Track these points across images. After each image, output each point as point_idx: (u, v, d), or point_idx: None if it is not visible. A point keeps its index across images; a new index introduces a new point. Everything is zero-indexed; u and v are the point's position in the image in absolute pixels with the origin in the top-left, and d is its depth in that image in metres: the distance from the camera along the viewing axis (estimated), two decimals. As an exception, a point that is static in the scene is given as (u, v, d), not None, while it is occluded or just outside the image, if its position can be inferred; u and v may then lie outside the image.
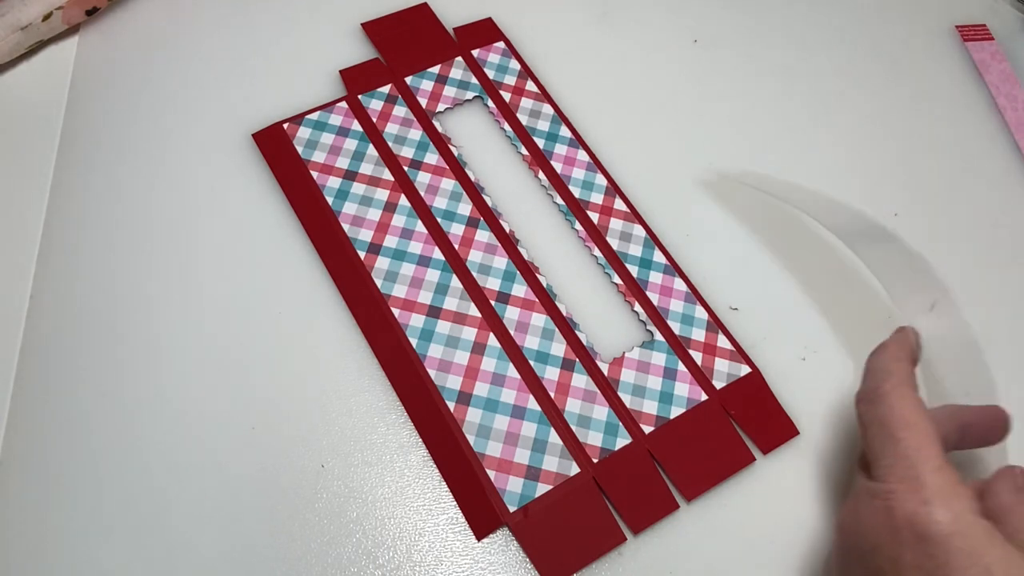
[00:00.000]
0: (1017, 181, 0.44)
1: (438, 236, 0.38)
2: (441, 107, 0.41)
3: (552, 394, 0.34)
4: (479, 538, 0.32)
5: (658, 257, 0.38)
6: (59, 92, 0.40)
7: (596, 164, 0.41)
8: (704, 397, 0.35)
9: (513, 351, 0.35)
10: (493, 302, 0.36)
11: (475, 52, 0.43)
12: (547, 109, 0.42)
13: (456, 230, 0.38)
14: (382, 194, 0.38)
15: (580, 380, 0.35)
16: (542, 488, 0.33)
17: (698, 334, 0.37)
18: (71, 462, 0.32)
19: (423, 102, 0.41)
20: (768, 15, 0.48)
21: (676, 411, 0.35)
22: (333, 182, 0.38)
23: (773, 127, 0.44)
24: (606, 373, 0.35)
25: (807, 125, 0.44)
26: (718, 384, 0.35)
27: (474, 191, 0.39)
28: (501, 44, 0.44)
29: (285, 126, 0.40)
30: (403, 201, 0.38)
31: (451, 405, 0.34)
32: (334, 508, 0.32)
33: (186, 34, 0.43)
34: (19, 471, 0.32)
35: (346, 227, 0.37)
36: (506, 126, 0.41)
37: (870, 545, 0.26)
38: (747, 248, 0.40)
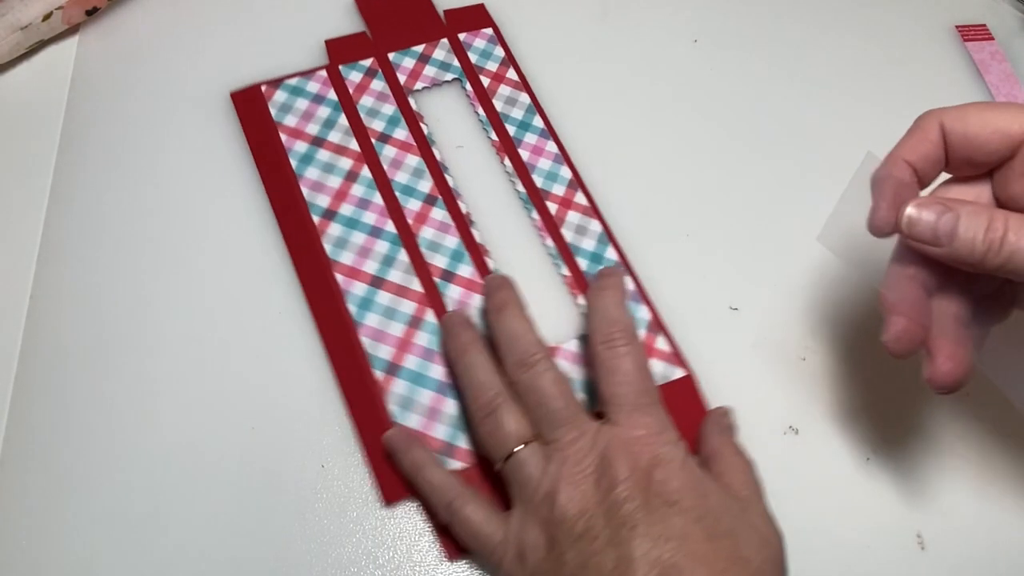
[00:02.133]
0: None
1: (393, 209, 0.38)
2: (419, 85, 0.42)
3: (480, 375, 0.35)
4: (386, 504, 0.32)
5: (610, 254, 0.38)
6: (59, 92, 0.40)
7: (564, 157, 0.41)
8: (632, 396, 0.35)
9: (449, 329, 0.35)
10: (437, 279, 0.37)
11: (462, 36, 0.44)
12: (524, 98, 0.42)
13: (413, 205, 0.38)
14: (345, 163, 0.39)
15: (511, 364, 0.35)
16: (455, 465, 0.33)
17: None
18: (71, 462, 0.32)
19: (402, 79, 0.42)
20: (767, 16, 0.48)
21: (601, 406, 0.35)
22: (300, 146, 0.39)
23: (772, 127, 0.44)
24: (538, 361, 0.35)
25: (806, 125, 0.44)
26: (649, 385, 0.35)
27: (437, 170, 0.39)
28: (489, 31, 0.44)
29: (263, 88, 0.41)
30: (365, 172, 0.39)
31: (379, 375, 0.34)
32: (334, 508, 0.32)
33: (186, 33, 0.43)
34: (19, 471, 0.32)
35: (305, 191, 0.38)
36: (480, 110, 0.41)
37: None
38: (748, 247, 0.40)
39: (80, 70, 0.41)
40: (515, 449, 0.30)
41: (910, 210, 0.27)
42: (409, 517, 0.32)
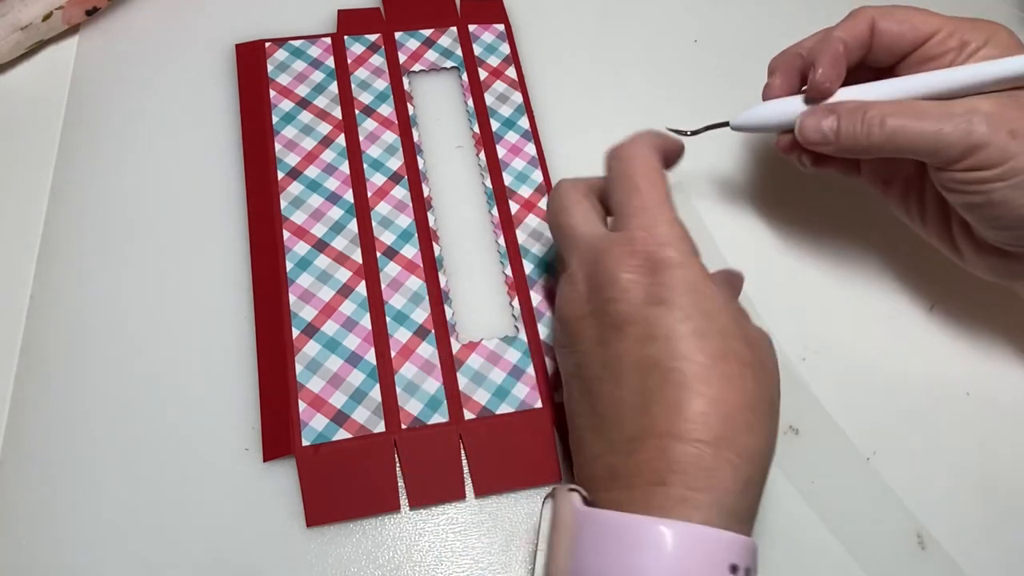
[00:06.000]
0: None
1: (357, 180, 0.39)
2: (417, 67, 0.42)
3: (393, 354, 0.35)
4: (265, 459, 0.33)
5: (559, 263, 0.38)
6: (59, 92, 0.40)
7: (540, 161, 0.40)
8: (539, 405, 0.34)
9: (376, 304, 0.36)
10: (379, 254, 0.37)
11: (472, 27, 0.44)
12: (516, 97, 0.42)
13: (377, 180, 0.39)
14: (324, 128, 0.40)
15: (427, 350, 0.35)
16: (342, 434, 0.33)
17: (563, 346, 0.36)
18: (71, 462, 0.32)
19: (402, 58, 0.42)
20: (766, 16, 0.47)
21: (505, 408, 0.34)
22: (285, 104, 0.40)
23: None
24: (455, 351, 0.35)
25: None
26: (559, 398, 0.35)
27: (411, 150, 0.40)
28: (500, 26, 0.44)
29: (267, 45, 0.42)
30: (340, 140, 0.40)
31: (295, 333, 0.35)
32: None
33: (186, 32, 0.43)
34: (19, 471, 0.32)
35: (278, 147, 0.39)
36: (470, 102, 0.42)
37: (607, 279, 0.29)
38: (748, 245, 0.40)
39: (80, 70, 0.41)
40: None
41: (800, 121, 0.33)
42: (408, 517, 0.32)
